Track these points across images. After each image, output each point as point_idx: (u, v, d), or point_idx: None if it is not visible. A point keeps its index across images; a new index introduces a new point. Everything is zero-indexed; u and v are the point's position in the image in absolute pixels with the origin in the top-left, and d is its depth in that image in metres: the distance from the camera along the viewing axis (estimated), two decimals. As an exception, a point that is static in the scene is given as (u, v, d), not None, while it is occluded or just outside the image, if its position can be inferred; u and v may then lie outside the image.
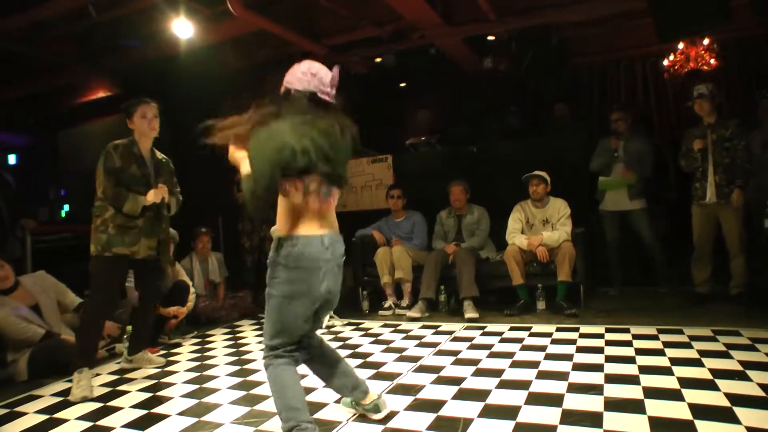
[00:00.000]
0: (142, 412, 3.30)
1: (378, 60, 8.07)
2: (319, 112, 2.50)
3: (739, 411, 2.68)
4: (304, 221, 2.49)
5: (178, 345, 5.08)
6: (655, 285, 5.97)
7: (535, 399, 3.06)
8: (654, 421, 2.63)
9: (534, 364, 3.69)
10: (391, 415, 2.94)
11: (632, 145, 5.84)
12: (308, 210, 2.49)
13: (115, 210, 3.89)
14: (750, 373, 3.23)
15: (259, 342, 4.93)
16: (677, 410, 2.75)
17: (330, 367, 2.89)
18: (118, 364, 4.37)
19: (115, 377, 4.09)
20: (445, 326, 5.05)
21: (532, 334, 4.55)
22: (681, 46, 6.96)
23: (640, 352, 3.81)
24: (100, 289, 3.94)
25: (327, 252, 2.51)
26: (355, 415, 2.99)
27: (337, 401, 3.18)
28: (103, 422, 3.17)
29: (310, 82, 2.54)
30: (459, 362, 3.87)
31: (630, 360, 3.64)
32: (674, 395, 2.96)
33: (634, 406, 2.83)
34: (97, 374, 4.14)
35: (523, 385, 3.29)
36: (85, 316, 4.02)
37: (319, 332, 5.13)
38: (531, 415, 2.83)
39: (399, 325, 5.28)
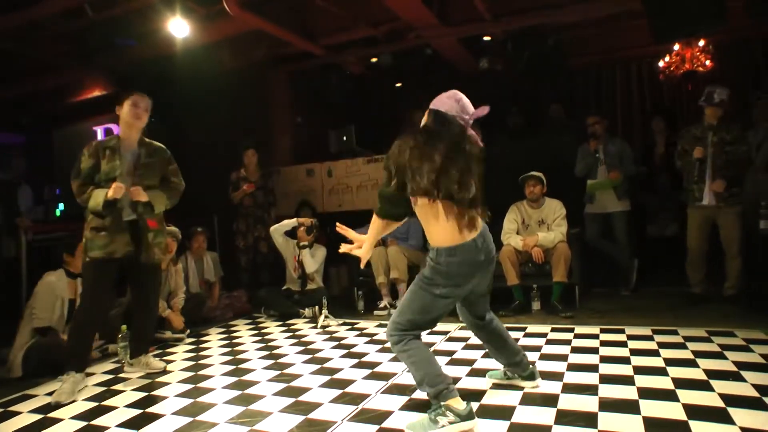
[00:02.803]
0: (137, 411, 3.30)
1: (374, 60, 8.07)
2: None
3: (734, 411, 2.69)
4: (455, 231, 2.73)
5: (180, 341, 5.11)
6: (649, 286, 6.02)
7: (530, 399, 3.06)
8: (648, 422, 2.64)
9: (529, 365, 3.69)
10: (386, 415, 2.94)
11: (611, 147, 6.02)
12: (455, 217, 2.74)
13: (89, 211, 3.83)
14: (744, 373, 3.24)
15: (255, 342, 4.93)
16: (672, 411, 2.76)
17: (495, 343, 3.24)
18: (113, 363, 4.37)
19: (109, 377, 4.08)
20: (440, 326, 5.02)
21: (527, 335, 4.56)
22: (676, 47, 6.98)
23: (635, 352, 3.82)
24: (87, 293, 3.90)
25: (481, 254, 2.79)
26: (350, 414, 3.00)
27: (413, 391, 3.19)
28: (98, 422, 3.16)
29: (453, 107, 2.84)
30: (454, 362, 3.88)
31: (625, 360, 3.65)
32: (669, 396, 2.96)
33: (628, 407, 2.84)
34: (92, 374, 4.12)
35: (518, 385, 3.29)
36: (75, 319, 3.95)
37: (315, 331, 5.16)
38: (526, 415, 2.84)
39: (394, 325, 5.26)
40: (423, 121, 2.93)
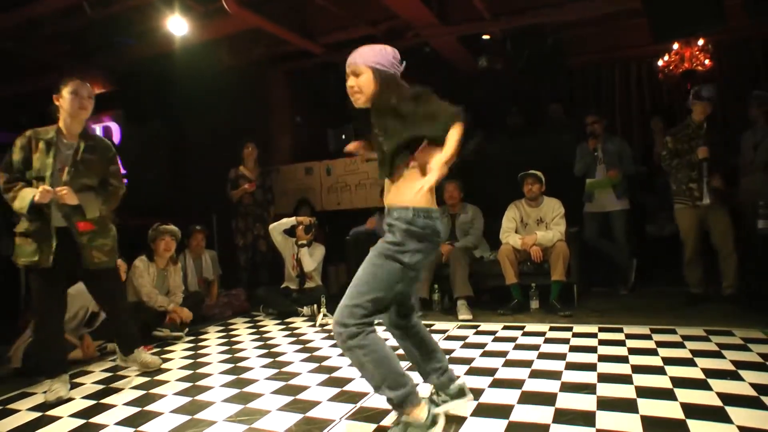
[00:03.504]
0: (135, 409, 3.30)
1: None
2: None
3: (732, 410, 2.69)
4: (430, 195, 2.55)
5: (179, 338, 5.11)
6: (648, 285, 6.03)
7: (528, 398, 3.06)
8: (646, 421, 2.64)
9: (527, 363, 3.70)
10: (383, 414, 2.94)
11: (609, 146, 6.05)
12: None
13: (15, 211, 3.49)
14: (742, 372, 3.24)
15: (253, 340, 4.93)
16: (670, 410, 2.76)
17: (424, 348, 2.81)
18: (112, 361, 4.37)
19: (108, 374, 4.07)
20: (439, 325, 5.05)
21: (525, 333, 4.56)
22: (676, 46, 6.99)
23: (633, 351, 3.82)
24: (35, 301, 3.63)
25: (441, 224, 2.61)
26: (348, 412, 3.00)
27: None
28: (96, 419, 3.16)
29: (393, 64, 2.65)
30: (452, 361, 3.86)
31: (623, 359, 3.65)
32: (667, 395, 2.96)
33: (626, 406, 2.84)
34: (90, 372, 4.13)
35: (517, 384, 3.30)
36: (34, 329, 3.74)
37: (314, 330, 5.16)
38: (524, 414, 2.84)
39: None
40: (371, 79, 2.60)
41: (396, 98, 2.51)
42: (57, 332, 3.70)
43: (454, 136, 2.38)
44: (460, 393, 2.83)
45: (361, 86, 2.59)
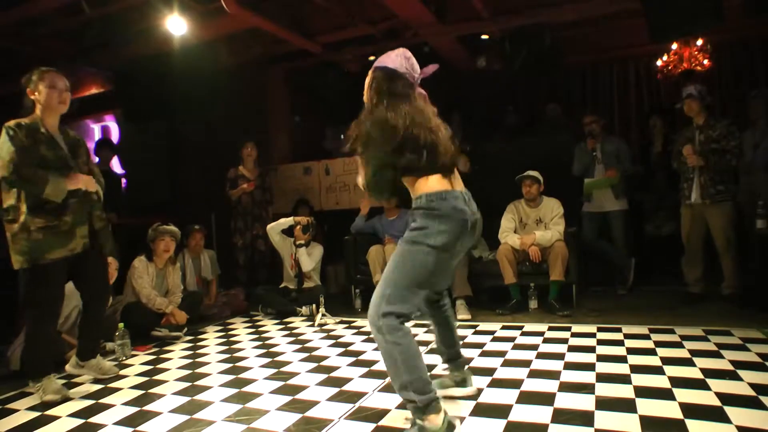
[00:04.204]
0: (134, 409, 3.29)
1: (371, 58, 8.06)
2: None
3: (730, 410, 2.69)
4: (444, 182, 2.59)
5: (177, 338, 5.10)
6: (646, 285, 6.04)
7: (526, 398, 3.06)
8: (645, 420, 2.64)
9: (526, 363, 3.70)
10: (382, 413, 2.94)
11: (607, 146, 6.07)
12: (445, 173, 2.61)
13: (29, 203, 3.35)
14: (741, 372, 3.24)
15: (252, 340, 4.92)
16: (668, 409, 2.76)
17: (445, 328, 3.08)
18: (110, 361, 4.35)
19: (106, 374, 4.07)
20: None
21: (524, 333, 4.56)
22: (674, 46, 6.99)
23: (632, 351, 3.82)
24: (38, 302, 3.48)
25: (467, 209, 2.61)
26: (347, 412, 3.00)
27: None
28: (95, 419, 3.16)
29: (402, 64, 2.65)
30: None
31: (621, 359, 3.65)
32: (665, 394, 2.97)
33: (625, 405, 2.84)
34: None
35: (515, 384, 3.30)
36: (28, 331, 3.57)
37: (312, 329, 5.15)
38: (522, 414, 2.84)
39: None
40: (368, 82, 2.72)
41: (374, 94, 2.59)
42: (53, 332, 3.69)
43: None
44: (463, 383, 3.09)
45: (365, 87, 2.66)
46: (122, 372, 4.09)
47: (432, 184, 2.56)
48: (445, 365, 3.20)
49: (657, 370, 3.38)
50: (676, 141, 5.34)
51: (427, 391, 2.42)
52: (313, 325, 5.35)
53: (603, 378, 3.29)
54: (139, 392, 3.61)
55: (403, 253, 2.53)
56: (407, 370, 2.42)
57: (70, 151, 3.57)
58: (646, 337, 4.18)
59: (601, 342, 4.13)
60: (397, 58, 2.65)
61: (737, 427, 2.50)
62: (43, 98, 3.46)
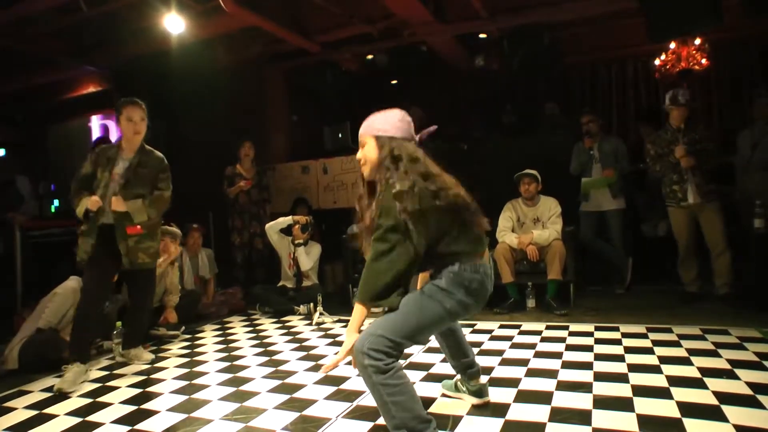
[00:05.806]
0: (132, 407, 3.29)
1: (369, 57, 8.06)
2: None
3: (727, 409, 2.70)
4: (480, 246, 2.55)
5: (175, 337, 5.09)
6: (644, 284, 6.05)
7: (524, 397, 3.07)
8: (642, 419, 2.65)
9: (523, 362, 3.70)
10: (379, 413, 2.94)
11: (605, 145, 6.05)
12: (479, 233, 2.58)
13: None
14: (738, 371, 3.25)
15: (250, 338, 4.92)
16: (666, 408, 2.77)
17: (454, 341, 2.96)
18: (108, 360, 4.36)
19: (104, 373, 4.06)
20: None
21: (521, 332, 4.56)
22: (672, 45, 6.99)
23: (629, 350, 3.83)
24: (83, 290, 4.14)
25: (490, 283, 2.56)
26: (344, 411, 3.00)
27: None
28: (93, 418, 3.15)
29: (406, 131, 2.58)
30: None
31: (619, 358, 3.66)
32: (663, 393, 2.97)
33: (622, 404, 2.85)
34: (87, 370, 4.12)
35: (513, 382, 3.30)
36: (77, 312, 4.09)
37: (310, 328, 5.15)
38: (520, 412, 2.84)
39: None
40: (376, 152, 2.54)
41: (389, 160, 2.46)
42: (94, 317, 4.05)
43: (357, 314, 2.41)
44: (479, 393, 2.98)
45: (365, 155, 2.55)
46: (120, 371, 4.09)
47: (467, 249, 2.49)
48: (459, 375, 3.05)
49: (654, 369, 3.38)
50: (654, 143, 5.36)
51: (421, 428, 2.28)
52: (310, 324, 5.35)
53: (600, 377, 3.30)
54: (137, 390, 3.61)
55: (420, 302, 2.43)
56: (398, 411, 2.28)
57: (130, 173, 4.07)
58: (644, 336, 4.19)
59: (598, 341, 4.13)
60: (401, 124, 2.56)
61: (734, 425, 2.51)
62: (122, 128, 4.12)
